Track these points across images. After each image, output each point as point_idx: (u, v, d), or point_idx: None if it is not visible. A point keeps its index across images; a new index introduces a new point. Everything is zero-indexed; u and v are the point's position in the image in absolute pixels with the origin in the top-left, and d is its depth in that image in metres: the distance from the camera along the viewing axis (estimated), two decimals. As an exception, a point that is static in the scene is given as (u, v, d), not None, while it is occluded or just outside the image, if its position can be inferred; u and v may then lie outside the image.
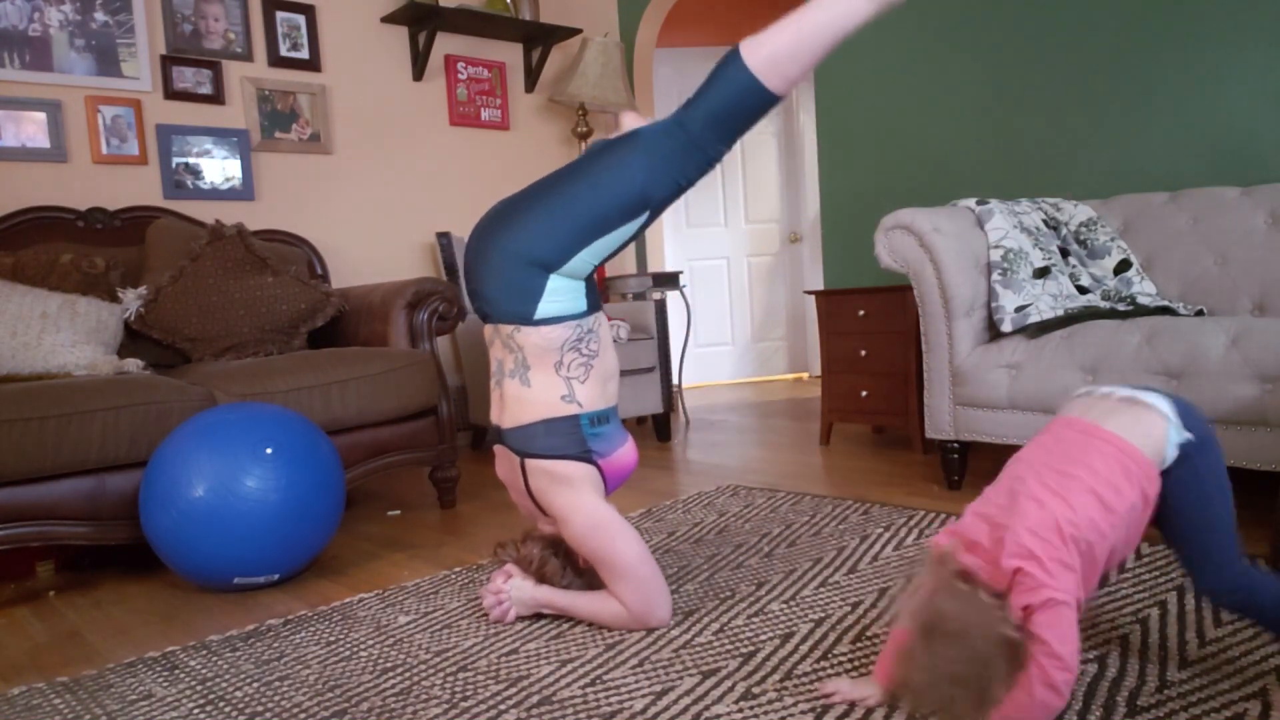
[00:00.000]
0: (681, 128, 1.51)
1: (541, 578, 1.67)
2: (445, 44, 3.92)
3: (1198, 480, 1.15)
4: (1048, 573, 1.06)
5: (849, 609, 1.62)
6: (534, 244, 1.53)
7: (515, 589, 1.66)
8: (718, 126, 1.51)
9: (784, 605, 1.67)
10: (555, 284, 1.55)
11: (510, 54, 4.17)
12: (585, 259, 1.56)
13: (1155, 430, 1.15)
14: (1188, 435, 1.14)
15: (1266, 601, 1.16)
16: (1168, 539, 1.20)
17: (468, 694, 1.38)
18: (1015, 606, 1.05)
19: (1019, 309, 2.36)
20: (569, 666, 1.45)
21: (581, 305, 1.59)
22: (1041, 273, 2.44)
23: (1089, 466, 1.13)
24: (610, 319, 3.57)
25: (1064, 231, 2.64)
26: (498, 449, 1.65)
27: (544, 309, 1.55)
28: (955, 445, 2.48)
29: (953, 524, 1.20)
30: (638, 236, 1.60)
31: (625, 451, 1.69)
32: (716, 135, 1.52)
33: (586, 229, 1.53)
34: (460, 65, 3.97)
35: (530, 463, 1.58)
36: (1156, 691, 1.22)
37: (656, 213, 1.58)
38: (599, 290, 4.16)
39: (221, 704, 1.41)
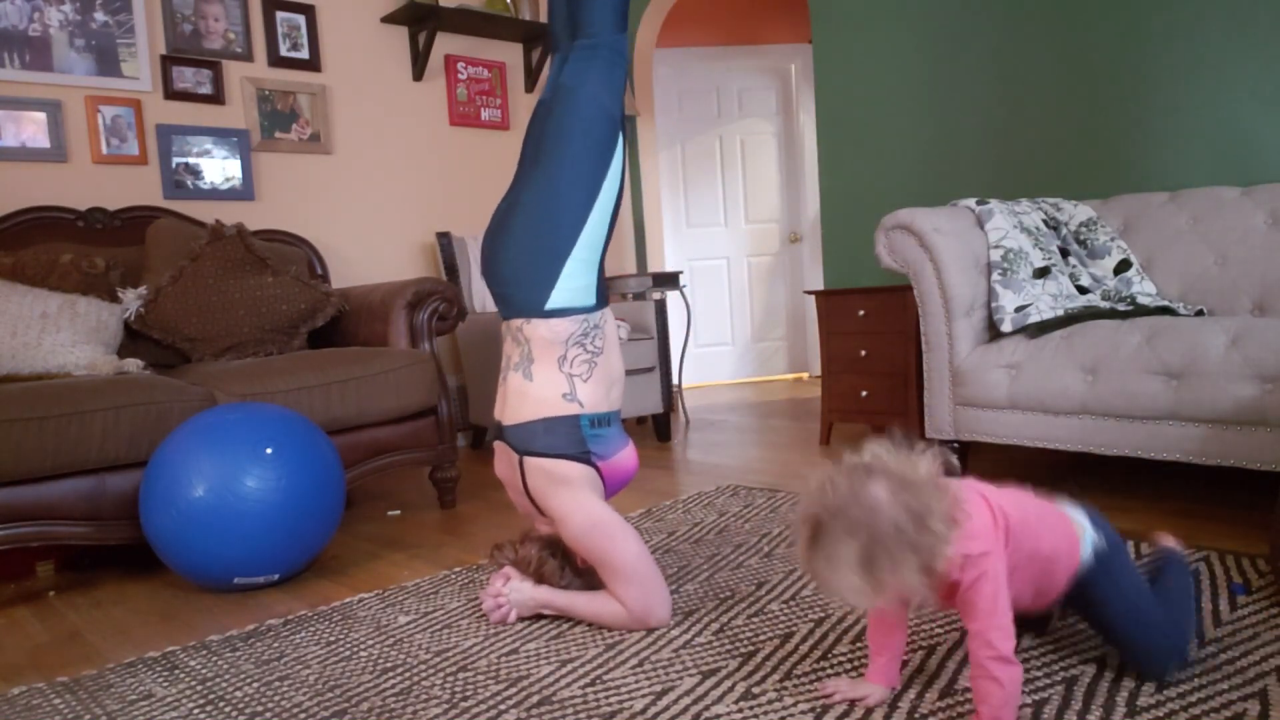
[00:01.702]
0: (595, 49, 1.63)
1: (540, 578, 1.66)
2: (445, 44, 3.92)
3: (1115, 578, 1.23)
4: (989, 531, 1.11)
5: (849, 609, 1.62)
6: (551, 224, 1.57)
7: (514, 591, 1.66)
8: (620, 20, 1.65)
9: (784, 605, 1.66)
10: (571, 267, 1.58)
11: (510, 54, 4.17)
12: (600, 214, 1.60)
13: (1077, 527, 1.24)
14: (1100, 540, 1.23)
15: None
16: (1117, 639, 1.27)
17: (468, 694, 1.38)
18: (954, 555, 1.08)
19: (1019, 309, 2.36)
20: (569, 666, 1.45)
21: (591, 299, 1.62)
22: (1041, 273, 2.44)
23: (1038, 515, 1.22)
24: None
25: (1064, 231, 2.64)
26: (498, 445, 1.65)
27: (556, 299, 1.58)
28: (955, 445, 2.47)
29: None
30: (624, 162, 1.67)
31: (625, 456, 1.69)
32: (619, 28, 1.65)
33: (589, 182, 1.59)
34: (460, 65, 3.97)
35: (529, 461, 1.58)
36: (1156, 692, 1.22)
37: (622, 122, 1.67)
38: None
39: (221, 704, 1.41)
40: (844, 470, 1.07)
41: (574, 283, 1.59)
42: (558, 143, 1.59)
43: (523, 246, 1.58)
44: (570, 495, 1.57)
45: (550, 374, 1.59)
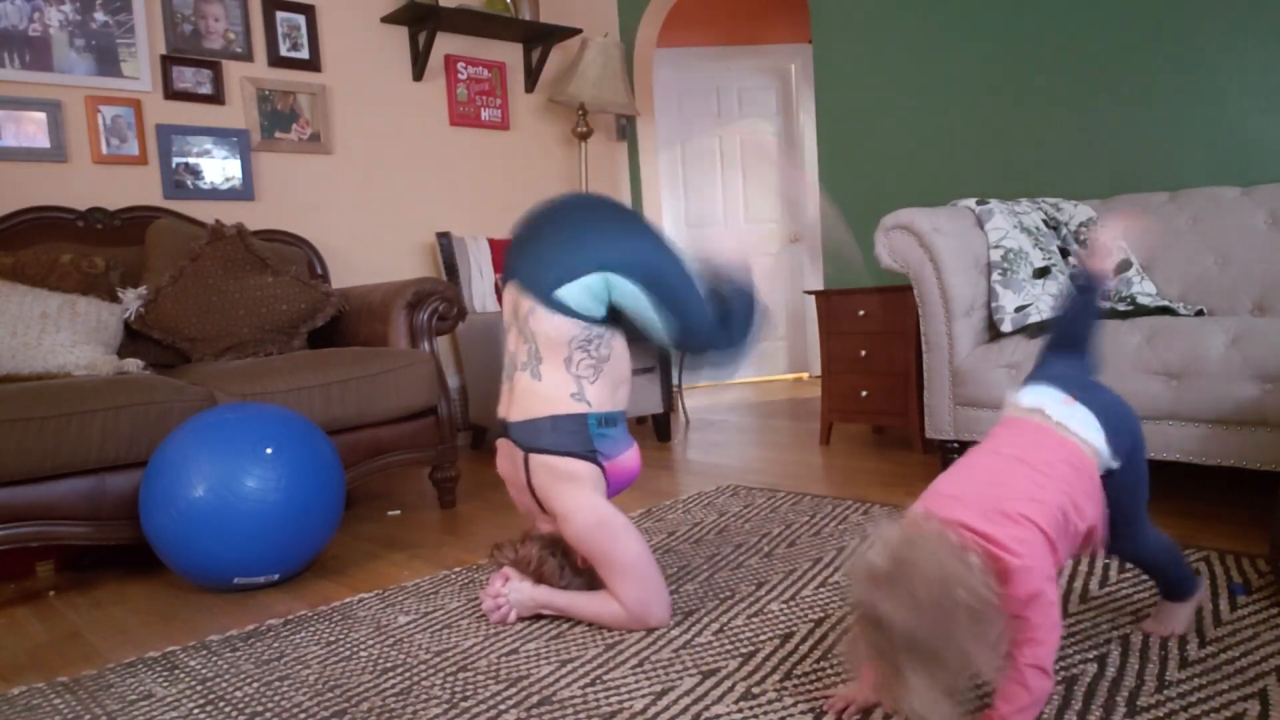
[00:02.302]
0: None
1: (539, 578, 1.66)
2: (445, 44, 3.92)
3: (1130, 478, 1.27)
4: (1039, 546, 1.08)
5: (849, 609, 1.62)
6: (611, 247, 1.56)
7: (514, 591, 1.66)
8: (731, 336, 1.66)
9: (784, 605, 1.67)
10: (596, 280, 1.55)
11: (510, 54, 4.17)
12: (630, 286, 1.56)
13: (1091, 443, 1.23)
14: (1113, 465, 1.23)
15: (1163, 559, 1.35)
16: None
17: (468, 694, 1.38)
18: (1006, 593, 1.04)
19: (1019, 309, 2.36)
20: (569, 666, 1.45)
21: (600, 314, 1.59)
22: (1041, 273, 2.44)
23: (1049, 457, 1.19)
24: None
25: (1064, 231, 2.64)
26: (500, 443, 1.65)
27: (567, 293, 1.54)
28: (955, 445, 2.47)
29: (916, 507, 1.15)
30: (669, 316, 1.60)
31: (629, 457, 1.68)
32: (735, 341, 1.67)
33: (662, 264, 1.58)
34: (460, 65, 3.97)
35: (534, 458, 1.58)
36: (1156, 691, 1.22)
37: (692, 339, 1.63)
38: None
39: (221, 704, 1.41)
40: (865, 598, 1.01)
41: (587, 294, 1.55)
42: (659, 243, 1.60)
43: (566, 241, 1.56)
44: (575, 492, 1.57)
45: (558, 374, 1.59)
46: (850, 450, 3.22)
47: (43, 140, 2.94)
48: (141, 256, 2.85)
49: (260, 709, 1.38)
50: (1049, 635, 1.06)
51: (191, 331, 2.72)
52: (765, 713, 1.25)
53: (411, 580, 2.00)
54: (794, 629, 1.55)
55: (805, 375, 5.60)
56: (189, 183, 3.24)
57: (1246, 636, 1.38)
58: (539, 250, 1.59)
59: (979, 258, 2.46)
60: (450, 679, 1.44)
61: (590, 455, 1.59)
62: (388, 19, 3.72)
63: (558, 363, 1.58)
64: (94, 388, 2.06)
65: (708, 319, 1.60)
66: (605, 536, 1.55)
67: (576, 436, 1.58)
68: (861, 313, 3.18)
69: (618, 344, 1.64)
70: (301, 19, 3.50)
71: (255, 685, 1.48)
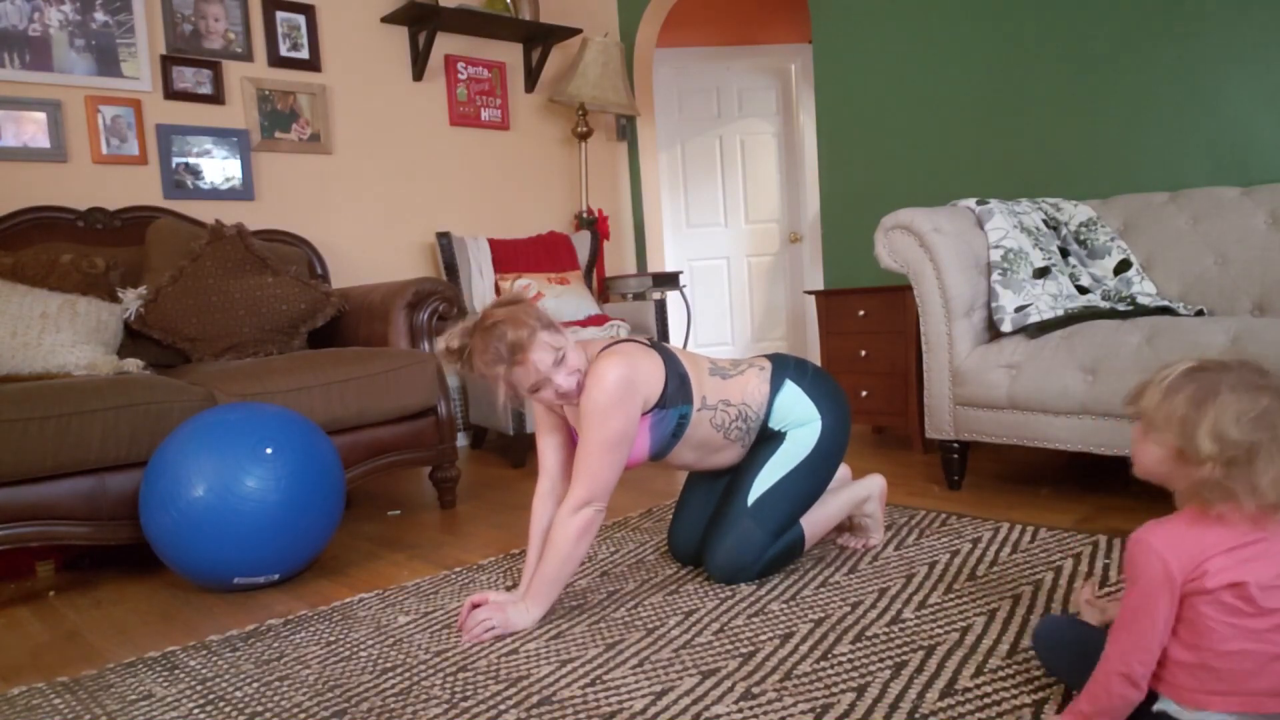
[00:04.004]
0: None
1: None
2: (445, 44, 3.92)
3: None
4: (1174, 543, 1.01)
5: (849, 609, 1.62)
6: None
7: (499, 612, 1.63)
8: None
9: (784, 605, 1.67)
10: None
11: (510, 54, 4.17)
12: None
13: None
14: None
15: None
16: None
17: (468, 694, 1.38)
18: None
19: (1019, 309, 2.36)
20: (569, 666, 1.46)
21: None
22: (1041, 273, 2.44)
23: None
24: (610, 319, 3.57)
25: (1064, 231, 2.64)
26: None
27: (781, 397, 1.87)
28: (955, 445, 2.47)
29: None
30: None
31: (639, 453, 1.75)
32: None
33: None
34: (460, 65, 3.97)
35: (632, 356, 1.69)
36: (1156, 691, 1.22)
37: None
38: (600, 293, 4.15)
39: (221, 704, 1.41)
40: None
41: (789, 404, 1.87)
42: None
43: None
44: (618, 415, 1.64)
45: (717, 385, 1.83)
46: (850, 450, 3.21)
47: (43, 140, 2.94)
48: (141, 256, 2.85)
49: (260, 709, 1.38)
50: (1138, 641, 0.99)
51: (191, 331, 2.72)
52: (765, 713, 1.25)
53: (411, 580, 2.00)
54: (794, 629, 1.55)
55: (805, 375, 5.58)
56: (189, 183, 3.24)
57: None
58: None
59: (979, 258, 2.46)
60: (450, 679, 1.44)
61: (659, 409, 1.73)
62: (388, 19, 3.72)
63: (732, 392, 1.83)
64: (94, 388, 2.06)
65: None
66: (610, 450, 1.65)
67: (680, 393, 1.75)
68: (861, 313, 3.18)
69: (712, 437, 1.82)
70: (301, 19, 3.50)
71: (255, 685, 1.48)
